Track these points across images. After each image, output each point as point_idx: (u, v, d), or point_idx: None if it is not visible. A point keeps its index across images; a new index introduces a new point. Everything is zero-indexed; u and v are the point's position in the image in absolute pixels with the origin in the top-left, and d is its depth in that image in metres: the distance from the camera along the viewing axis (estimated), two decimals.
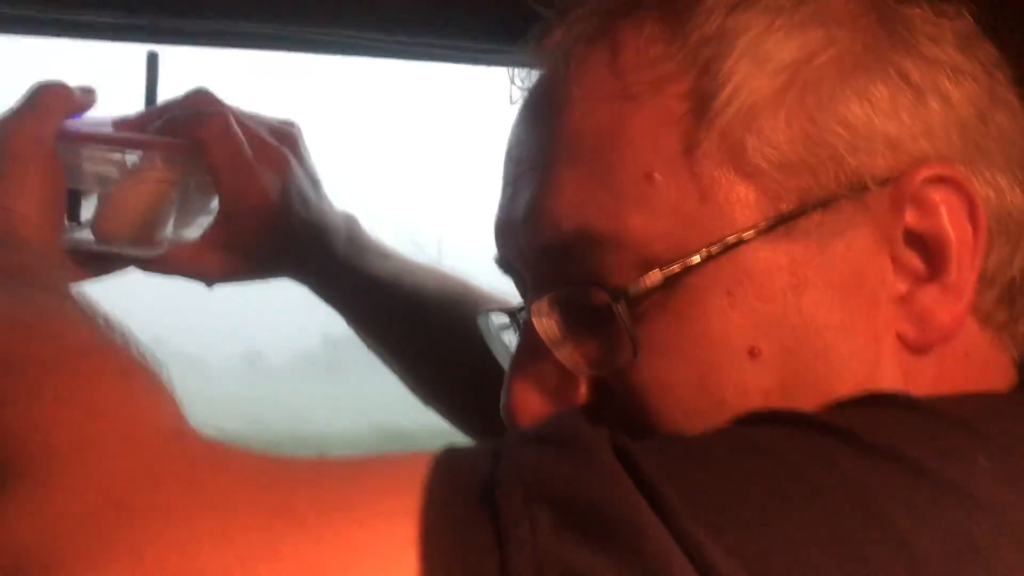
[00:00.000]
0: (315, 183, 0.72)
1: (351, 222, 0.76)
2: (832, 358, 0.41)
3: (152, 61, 0.67)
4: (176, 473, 0.37)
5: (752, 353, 0.41)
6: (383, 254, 0.77)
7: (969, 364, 0.44)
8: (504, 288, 0.56)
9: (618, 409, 0.43)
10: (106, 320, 0.47)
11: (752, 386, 0.41)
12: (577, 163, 0.44)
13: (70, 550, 0.35)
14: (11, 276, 0.51)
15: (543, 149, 0.46)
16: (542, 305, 0.45)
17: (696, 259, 0.41)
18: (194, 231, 0.67)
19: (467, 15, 0.73)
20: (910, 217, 0.42)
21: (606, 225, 0.42)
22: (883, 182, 0.42)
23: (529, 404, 0.45)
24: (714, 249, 0.41)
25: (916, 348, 0.42)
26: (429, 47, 0.79)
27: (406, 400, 0.81)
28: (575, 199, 0.43)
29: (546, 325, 0.45)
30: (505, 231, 0.48)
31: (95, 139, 0.62)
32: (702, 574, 0.32)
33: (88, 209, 0.62)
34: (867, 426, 0.37)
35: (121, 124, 0.65)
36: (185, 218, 0.66)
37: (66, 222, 0.61)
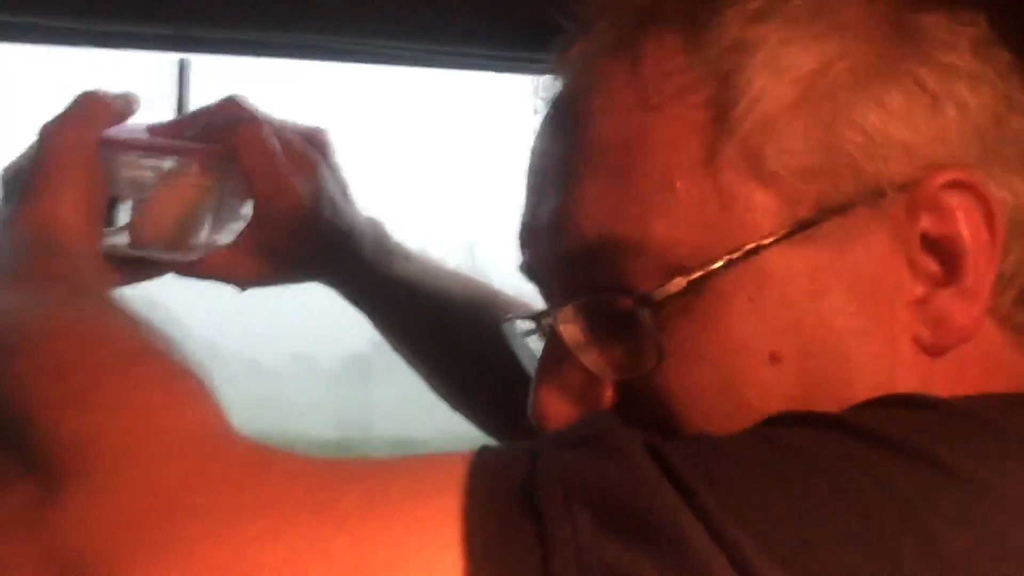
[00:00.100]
0: (344, 189, 0.73)
1: (377, 227, 0.77)
2: (852, 362, 0.42)
3: (183, 68, 0.69)
4: (224, 475, 0.38)
5: (774, 357, 0.42)
6: (409, 258, 0.78)
7: (987, 365, 0.44)
8: (530, 293, 0.57)
9: (643, 412, 0.44)
10: (150, 326, 0.48)
11: (774, 390, 0.42)
12: (600, 172, 0.45)
13: (123, 552, 0.36)
14: (57, 282, 0.53)
15: (566, 158, 0.46)
16: (567, 312, 0.46)
17: (719, 265, 0.42)
18: (227, 236, 0.68)
19: (492, 24, 0.74)
20: (926, 222, 0.43)
21: (629, 232, 0.43)
22: (900, 188, 0.42)
23: (557, 409, 0.46)
24: (736, 255, 0.42)
25: (933, 351, 0.43)
26: (453, 55, 0.80)
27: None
28: (599, 207, 0.44)
29: (571, 331, 0.46)
30: (529, 238, 0.49)
31: (132, 146, 0.63)
32: (741, 574, 0.33)
33: (124, 215, 0.63)
34: (896, 427, 0.37)
35: (155, 130, 0.66)
36: (219, 223, 0.67)
37: (103, 228, 0.62)
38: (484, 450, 0.39)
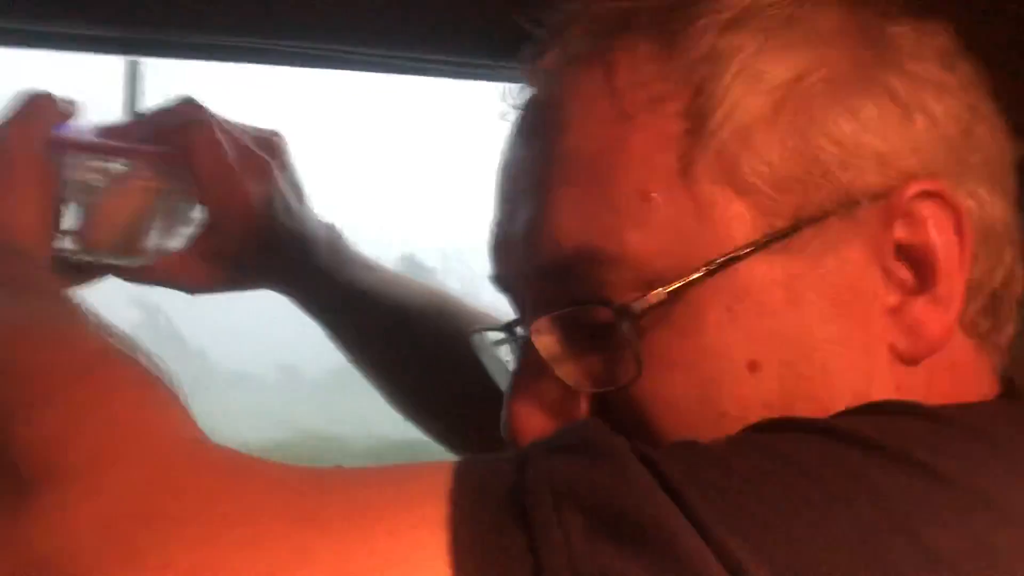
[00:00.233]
0: (299, 193, 0.72)
1: (333, 233, 0.75)
2: (829, 370, 0.42)
3: (132, 69, 0.67)
4: (201, 481, 0.37)
5: (752, 366, 0.42)
6: (365, 266, 0.77)
7: (956, 373, 0.45)
8: (495, 304, 0.57)
9: (620, 424, 0.43)
10: (112, 330, 0.47)
11: (752, 399, 0.42)
12: (575, 182, 0.44)
13: (98, 558, 0.35)
14: (15, 286, 0.51)
15: (540, 168, 0.46)
16: (542, 323, 0.45)
17: (696, 276, 0.42)
18: (178, 241, 0.66)
19: (459, 31, 0.74)
20: (900, 231, 0.43)
21: (606, 243, 0.43)
22: (873, 197, 0.42)
23: (531, 422, 0.46)
24: (712, 266, 0.42)
25: (907, 359, 0.43)
26: (419, 62, 0.79)
27: None
28: (575, 218, 0.44)
29: (547, 343, 0.45)
30: (502, 249, 0.49)
31: (80, 147, 0.61)
32: None
33: (72, 218, 0.62)
34: (883, 433, 0.37)
35: (105, 132, 0.64)
36: (169, 227, 0.65)
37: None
38: (469, 458, 0.38)
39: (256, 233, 0.67)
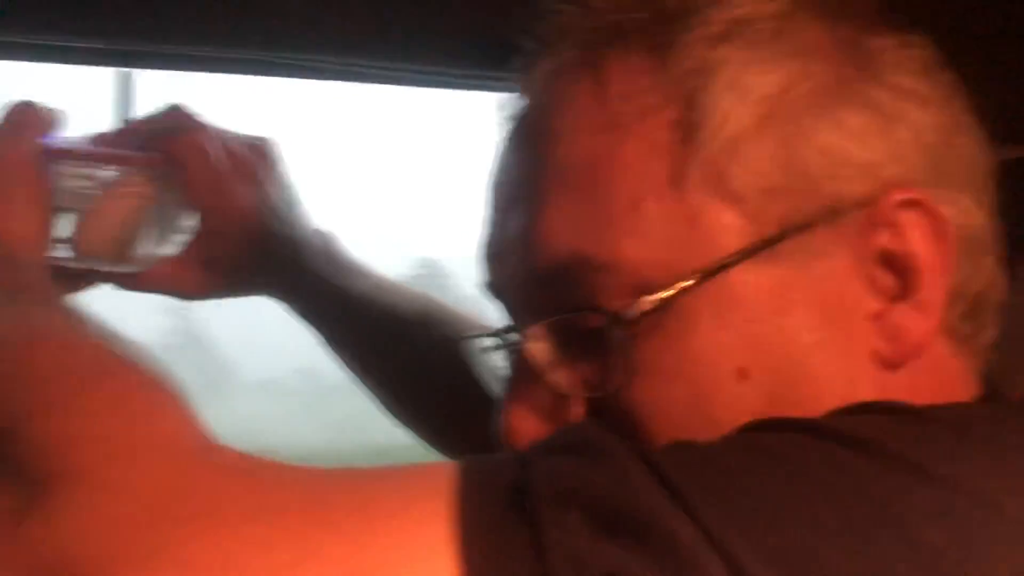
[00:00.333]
0: (291, 201, 0.72)
1: (328, 240, 0.76)
2: (816, 377, 0.43)
3: (123, 81, 0.68)
4: (213, 482, 0.38)
5: (741, 374, 0.42)
6: (360, 272, 0.77)
7: (938, 377, 0.45)
8: (486, 311, 0.57)
9: (611, 429, 0.44)
10: (115, 337, 0.47)
11: (742, 406, 0.42)
12: (568, 191, 0.45)
13: (112, 558, 0.35)
14: (17, 295, 0.52)
15: (533, 177, 0.47)
16: (536, 330, 0.46)
17: (687, 283, 0.42)
18: (171, 248, 0.66)
19: (450, 42, 0.74)
20: (883, 239, 0.44)
21: (599, 251, 0.44)
22: (858, 206, 0.43)
23: (526, 427, 0.46)
24: (703, 274, 0.42)
25: (889, 364, 0.44)
26: (412, 73, 0.79)
27: None
28: (567, 226, 0.45)
29: (540, 349, 0.46)
30: (494, 257, 0.49)
31: (73, 155, 0.61)
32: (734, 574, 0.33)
33: (65, 227, 0.62)
34: (874, 432, 0.38)
35: (97, 140, 0.65)
36: (162, 234, 0.65)
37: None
38: (472, 457, 0.39)
39: (249, 239, 0.67)
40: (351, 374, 0.80)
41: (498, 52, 0.49)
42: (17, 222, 0.57)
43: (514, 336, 0.49)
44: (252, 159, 0.68)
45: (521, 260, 0.47)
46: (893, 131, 0.44)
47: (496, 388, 0.50)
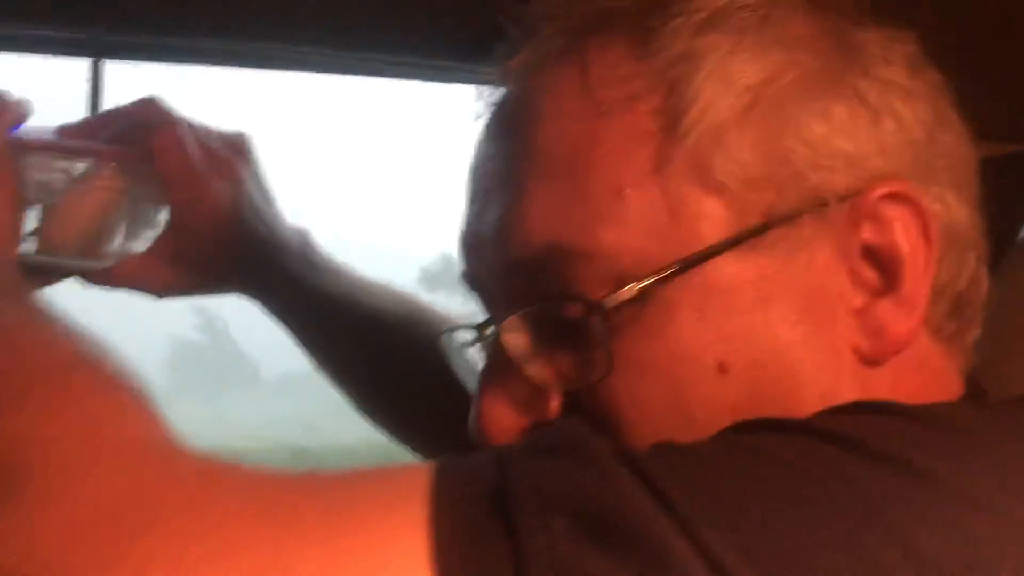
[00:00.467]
0: (268, 197, 0.71)
1: (305, 237, 0.75)
2: (797, 372, 0.42)
3: (96, 68, 0.66)
4: (174, 488, 0.36)
5: (721, 367, 0.42)
6: (337, 271, 0.76)
7: (922, 374, 0.45)
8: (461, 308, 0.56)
9: (589, 424, 0.43)
10: (82, 334, 0.46)
11: (721, 400, 0.42)
12: (548, 179, 0.44)
13: (66, 567, 0.34)
14: None
15: (512, 165, 0.46)
16: (513, 321, 0.45)
17: (668, 273, 0.42)
18: (142, 243, 0.65)
19: (430, 32, 0.73)
20: (867, 232, 0.43)
21: (578, 240, 0.43)
22: (842, 198, 0.43)
23: (500, 421, 0.45)
24: (684, 263, 0.42)
25: (872, 360, 0.43)
26: (392, 64, 0.78)
27: None
28: (547, 214, 0.44)
29: (516, 341, 0.45)
30: (473, 246, 0.48)
31: (42, 147, 0.60)
32: None
33: (32, 220, 0.61)
34: (864, 431, 0.38)
35: (66, 132, 0.63)
36: (133, 229, 0.64)
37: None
38: (448, 459, 0.38)
39: (223, 235, 0.66)
40: (326, 374, 0.79)
41: (479, 44, 0.48)
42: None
43: (491, 329, 0.48)
44: (226, 154, 0.67)
45: (499, 250, 0.46)
46: (879, 124, 0.44)
47: (472, 383, 0.49)
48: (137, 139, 0.62)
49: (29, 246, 0.60)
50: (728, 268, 0.42)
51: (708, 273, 0.42)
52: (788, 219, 0.42)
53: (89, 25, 0.71)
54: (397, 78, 0.79)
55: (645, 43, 0.44)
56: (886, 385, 0.43)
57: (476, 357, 0.53)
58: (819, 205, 0.43)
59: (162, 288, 0.67)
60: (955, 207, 0.45)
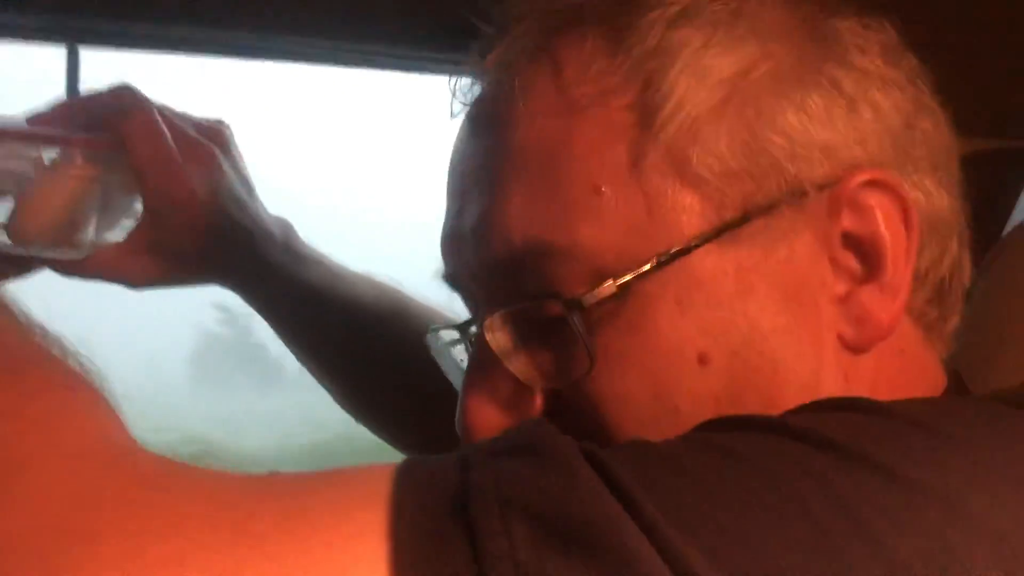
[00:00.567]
0: (247, 185, 0.70)
1: (286, 228, 0.74)
2: (778, 361, 0.42)
3: (72, 54, 0.65)
4: (125, 493, 0.35)
5: (702, 359, 0.42)
6: (319, 262, 0.76)
7: (904, 362, 0.45)
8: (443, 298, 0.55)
9: (573, 420, 0.43)
10: (43, 330, 0.45)
11: (703, 392, 0.42)
12: (525, 177, 0.44)
13: None
14: None
15: (490, 163, 0.46)
16: (495, 319, 0.45)
17: (646, 268, 0.42)
18: (117, 233, 0.64)
19: (408, 24, 0.72)
20: (847, 220, 0.43)
21: (556, 237, 0.43)
22: (821, 187, 0.43)
23: (485, 418, 0.45)
24: (663, 258, 0.42)
25: (855, 348, 0.43)
26: (366, 54, 0.78)
27: None
28: (525, 212, 0.44)
29: (499, 339, 0.45)
30: (452, 246, 0.48)
31: (10, 134, 0.59)
32: None
33: (2, 209, 0.59)
34: (836, 430, 0.37)
35: (36, 119, 0.62)
36: (108, 219, 0.63)
37: None
38: (410, 460, 0.37)
39: (201, 225, 0.65)
40: (306, 366, 0.78)
41: (453, 34, 0.48)
42: None
43: (474, 327, 0.48)
44: (204, 142, 0.66)
45: (479, 249, 0.46)
46: (856, 113, 0.44)
47: (457, 382, 0.49)
48: (109, 126, 0.61)
49: (0, 236, 0.59)
50: (707, 261, 0.42)
51: (687, 266, 0.42)
52: (767, 210, 0.42)
53: (65, 11, 0.70)
54: (376, 68, 0.78)
55: (618, 39, 0.44)
56: (869, 372, 0.44)
57: (461, 356, 0.53)
58: (798, 195, 0.42)
59: (139, 279, 0.66)
60: (935, 194, 0.45)
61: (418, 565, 0.32)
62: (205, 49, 0.75)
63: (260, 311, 0.75)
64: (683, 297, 0.42)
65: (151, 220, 0.63)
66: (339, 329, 0.76)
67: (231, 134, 0.69)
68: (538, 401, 0.45)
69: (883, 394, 0.43)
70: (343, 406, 0.79)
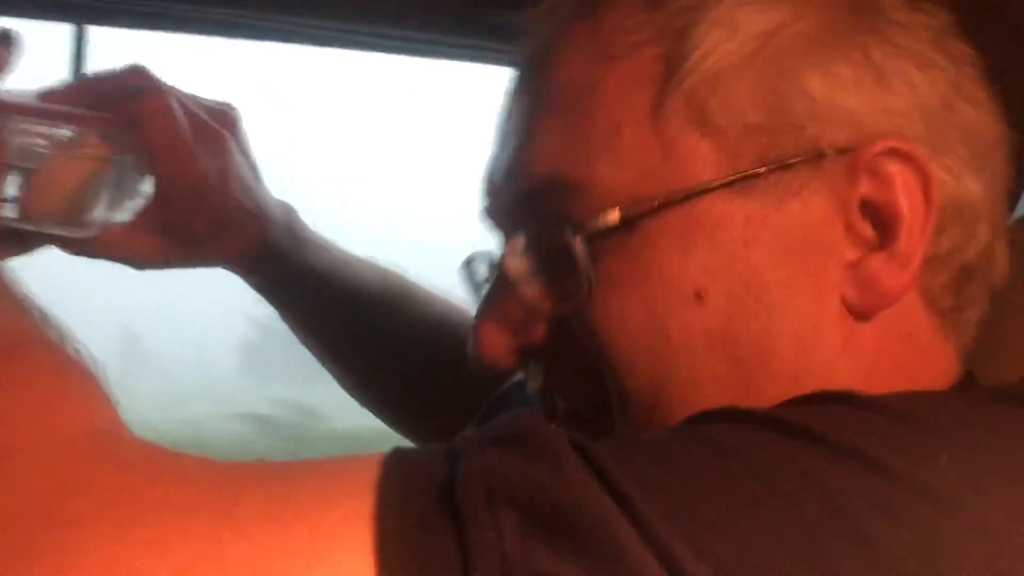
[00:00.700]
0: (254, 169, 0.70)
1: (290, 212, 0.74)
2: (774, 311, 0.43)
3: (79, 35, 0.65)
4: (108, 478, 0.35)
5: (699, 296, 0.43)
6: (322, 246, 0.76)
7: (910, 345, 0.45)
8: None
9: (574, 352, 0.45)
10: (40, 312, 0.44)
11: (696, 327, 0.43)
12: (555, 115, 0.46)
13: None
14: None
15: (527, 107, 0.48)
16: (514, 245, 0.47)
17: (654, 204, 0.43)
18: (126, 213, 0.64)
19: (445, 8, 0.71)
20: (865, 187, 0.43)
21: (575, 172, 0.45)
22: (840, 151, 0.43)
23: (493, 340, 0.48)
24: (672, 197, 0.43)
25: (858, 313, 0.44)
26: (381, 38, 0.77)
27: None
28: (550, 147, 0.46)
29: (515, 265, 0.47)
30: (491, 182, 0.50)
31: (25, 110, 0.58)
32: None
33: (13, 185, 0.59)
34: (828, 425, 0.37)
35: (49, 96, 0.61)
36: (117, 199, 0.63)
37: None
38: (398, 449, 0.37)
39: (208, 207, 0.65)
40: (310, 349, 0.78)
41: (497, 22, 0.49)
42: None
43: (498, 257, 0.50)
44: (214, 125, 0.66)
45: (509, 182, 0.48)
46: (886, 85, 0.44)
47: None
48: (123, 106, 0.61)
49: (9, 212, 0.59)
50: (715, 207, 0.43)
51: (695, 209, 0.43)
52: (782, 166, 0.43)
53: None
54: (390, 52, 0.78)
55: None
56: (870, 346, 0.44)
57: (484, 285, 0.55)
58: (815, 156, 0.43)
59: (145, 259, 0.66)
60: (967, 178, 0.45)
61: (403, 554, 0.32)
62: (215, 30, 0.74)
63: (264, 294, 0.75)
64: (687, 238, 0.43)
65: (159, 201, 0.63)
66: (342, 313, 0.76)
67: (240, 117, 0.69)
68: (543, 328, 0.47)
69: (883, 375, 0.44)
70: (346, 389, 0.79)
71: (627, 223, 0.43)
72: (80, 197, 0.60)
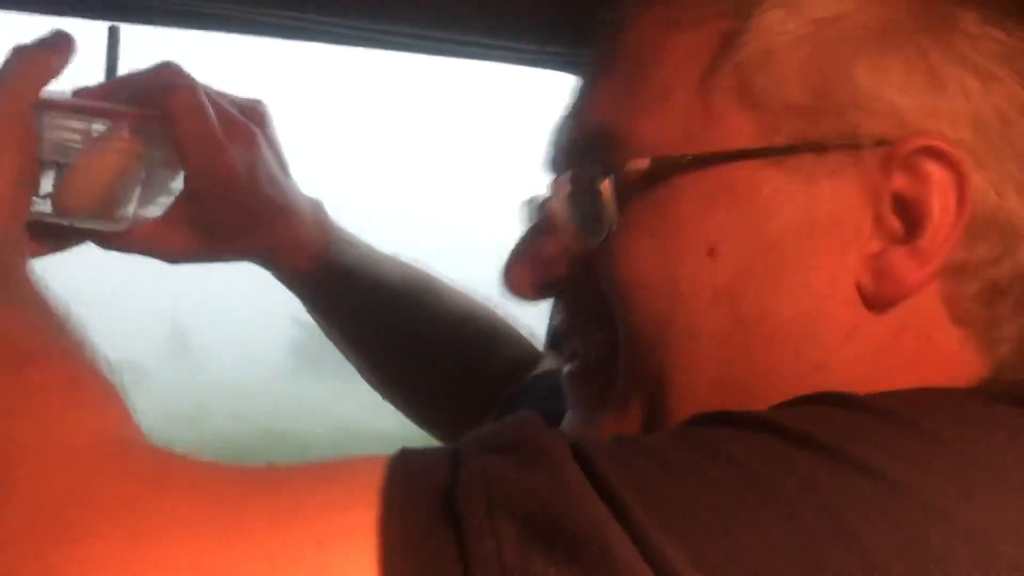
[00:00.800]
0: (282, 164, 0.71)
1: (318, 208, 0.75)
2: (783, 283, 0.44)
3: (113, 34, 0.66)
4: (117, 489, 0.36)
5: (712, 252, 0.44)
6: (349, 242, 0.77)
7: (924, 350, 0.44)
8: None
9: (595, 291, 0.48)
10: (62, 317, 0.45)
11: (704, 280, 0.44)
12: (618, 72, 0.49)
13: (3, 573, 0.33)
14: None
15: (596, 63, 0.51)
16: (558, 187, 0.49)
17: (685, 160, 0.45)
18: (157, 208, 0.65)
19: (517, 13, 0.71)
20: (900, 182, 0.43)
21: (621, 125, 0.47)
22: (878, 143, 0.43)
23: (520, 273, 0.51)
24: (703, 156, 0.45)
25: (871, 302, 0.44)
26: (415, 39, 0.78)
27: None
28: (606, 101, 0.48)
29: (556, 205, 0.50)
30: (555, 132, 0.52)
31: (60, 106, 0.59)
32: None
33: (48, 180, 0.60)
34: (823, 429, 0.37)
35: (83, 94, 0.63)
36: (149, 194, 0.64)
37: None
38: (403, 453, 0.38)
39: (238, 202, 0.66)
40: (337, 345, 0.79)
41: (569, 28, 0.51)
42: (2, 180, 0.55)
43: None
44: (244, 121, 0.66)
45: (567, 131, 0.51)
46: (939, 89, 0.43)
47: None
48: (155, 103, 0.62)
49: (43, 207, 0.60)
50: (743, 173, 0.44)
51: (723, 173, 0.45)
52: (817, 148, 0.43)
53: None
54: (423, 54, 0.78)
55: None
56: (880, 339, 0.44)
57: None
58: (852, 144, 0.43)
59: (176, 254, 0.67)
60: (1012, 196, 0.44)
61: (406, 562, 0.33)
62: (247, 29, 0.75)
63: (291, 288, 0.76)
64: (711, 197, 0.45)
65: (190, 195, 0.64)
66: (368, 308, 0.77)
67: (269, 114, 0.70)
68: (566, 266, 0.50)
69: (890, 368, 0.44)
70: (371, 383, 0.80)
71: (656, 173, 0.45)
72: (112, 191, 0.61)
